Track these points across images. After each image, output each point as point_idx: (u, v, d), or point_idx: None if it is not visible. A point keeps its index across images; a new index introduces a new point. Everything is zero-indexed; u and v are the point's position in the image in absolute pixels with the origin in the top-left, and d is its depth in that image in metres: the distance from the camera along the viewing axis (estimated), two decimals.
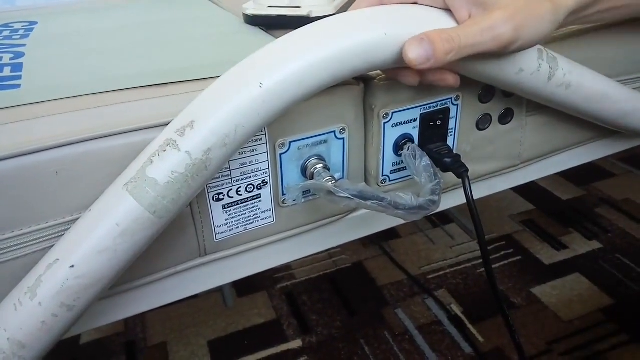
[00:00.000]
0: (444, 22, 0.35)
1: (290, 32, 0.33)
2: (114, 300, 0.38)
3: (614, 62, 0.53)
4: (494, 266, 1.14)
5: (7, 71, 0.45)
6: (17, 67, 0.46)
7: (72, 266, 0.29)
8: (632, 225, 1.23)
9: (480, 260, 1.16)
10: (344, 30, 0.33)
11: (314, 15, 0.55)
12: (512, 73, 0.40)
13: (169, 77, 0.43)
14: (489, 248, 1.19)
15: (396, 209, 0.38)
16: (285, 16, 0.56)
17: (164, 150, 0.30)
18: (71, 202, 0.32)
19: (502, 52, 0.36)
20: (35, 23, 0.65)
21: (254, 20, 0.58)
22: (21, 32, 0.61)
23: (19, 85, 0.42)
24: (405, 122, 0.44)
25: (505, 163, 0.53)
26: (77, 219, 0.32)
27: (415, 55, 0.33)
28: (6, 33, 0.60)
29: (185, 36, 0.57)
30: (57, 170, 0.31)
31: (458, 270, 1.14)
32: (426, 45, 0.33)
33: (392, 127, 0.44)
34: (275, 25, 0.57)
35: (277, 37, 0.53)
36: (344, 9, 0.60)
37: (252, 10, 0.58)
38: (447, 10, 0.36)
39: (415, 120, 0.45)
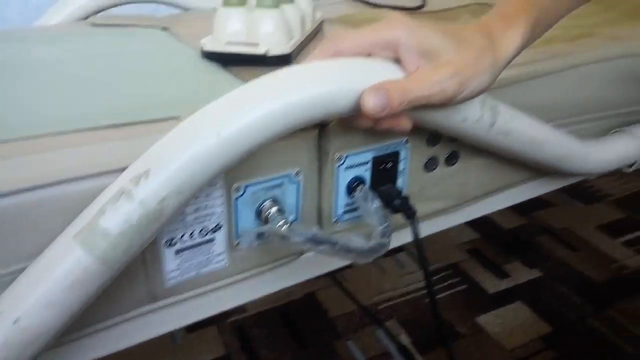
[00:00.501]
0: (395, 73, 0.37)
1: (248, 83, 0.34)
2: (59, 350, 0.36)
3: (550, 107, 0.57)
4: (440, 295, 1.17)
5: None
6: None
7: (16, 320, 0.28)
8: (570, 255, 1.29)
9: None
10: (302, 82, 0.34)
11: (271, 54, 0.56)
12: (457, 121, 0.43)
13: (125, 116, 0.42)
14: (435, 277, 1.22)
15: (348, 253, 0.39)
16: (242, 54, 0.57)
17: (117, 200, 0.29)
18: (16, 252, 0.31)
19: (448, 103, 0.38)
20: None
21: (211, 56, 0.58)
22: None
23: None
24: (358, 165, 0.46)
25: (452, 202, 0.56)
26: (24, 269, 0.30)
27: (372, 104, 0.35)
28: None
29: (142, 71, 0.56)
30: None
31: (408, 299, 1.16)
32: (382, 96, 0.35)
33: (345, 169, 0.45)
34: (233, 61, 0.57)
35: (233, 74, 0.54)
36: (300, 47, 0.61)
37: (210, 46, 0.58)
38: (398, 61, 0.38)
39: (367, 162, 0.46)
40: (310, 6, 0.69)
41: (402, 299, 1.16)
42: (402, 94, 0.36)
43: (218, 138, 0.31)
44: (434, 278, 1.22)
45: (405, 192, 0.49)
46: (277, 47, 0.57)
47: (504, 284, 1.19)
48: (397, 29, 0.36)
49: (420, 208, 0.52)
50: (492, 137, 0.47)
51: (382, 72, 0.37)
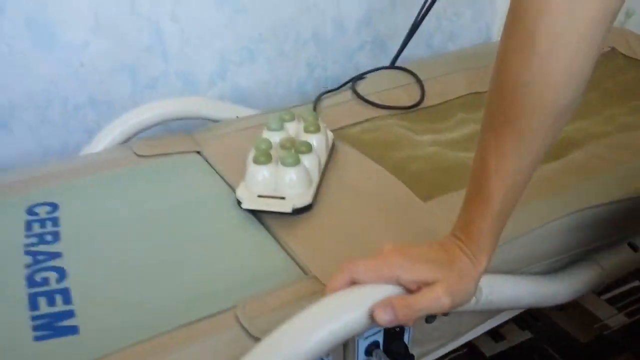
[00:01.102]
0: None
1: (280, 328, 0.47)
2: None
3: (517, 258, 0.68)
4: None
5: (59, 303, 0.51)
6: (66, 295, 0.54)
7: None
8: (557, 313, 1.42)
9: None
10: (334, 316, 0.48)
11: (296, 207, 0.70)
12: None
13: (187, 313, 0.53)
14: None
15: None
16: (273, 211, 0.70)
17: None
18: None
19: (444, 312, 0.51)
20: (56, 206, 0.71)
21: (248, 210, 0.72)
22: (49, 224, 0.67)
23: (76, 328, 0.50)
24: (373, 334, 0.59)
25: (448, 339, 0.69)
26: None
27: (382, 320, 0.48)
28: (36, 228, 0.66)
29: (191, 234, 0.67)
30: None
31: None
32: (389, 312, 0.48)
33: (364, 339, 0.58)
34: (265, 212, 0.70)
35: (266, 226, 0.68)
36: (318, 189, 0.75)
37: (246, 204, 0.71)
38: (400, 285, 0.51)
39: (380, 330, 0.59)
40: (325, 140, 0.82)
41: None
42: (407, 309, 0.49)
43: None
44: None
45: (410, 344, 0.63)
46: (300, 199, 0.71)
47: (499, 347, 1.32)
48: (396, 269, 0.50)
49: (422, 350, 0.65)
50: (479, 308, 0.60)
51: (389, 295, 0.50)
